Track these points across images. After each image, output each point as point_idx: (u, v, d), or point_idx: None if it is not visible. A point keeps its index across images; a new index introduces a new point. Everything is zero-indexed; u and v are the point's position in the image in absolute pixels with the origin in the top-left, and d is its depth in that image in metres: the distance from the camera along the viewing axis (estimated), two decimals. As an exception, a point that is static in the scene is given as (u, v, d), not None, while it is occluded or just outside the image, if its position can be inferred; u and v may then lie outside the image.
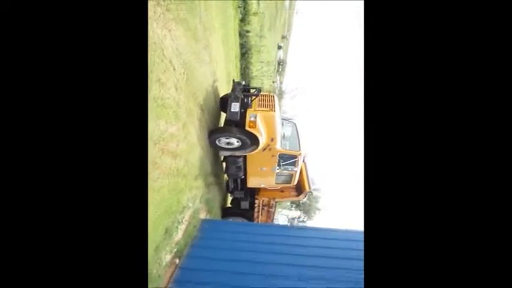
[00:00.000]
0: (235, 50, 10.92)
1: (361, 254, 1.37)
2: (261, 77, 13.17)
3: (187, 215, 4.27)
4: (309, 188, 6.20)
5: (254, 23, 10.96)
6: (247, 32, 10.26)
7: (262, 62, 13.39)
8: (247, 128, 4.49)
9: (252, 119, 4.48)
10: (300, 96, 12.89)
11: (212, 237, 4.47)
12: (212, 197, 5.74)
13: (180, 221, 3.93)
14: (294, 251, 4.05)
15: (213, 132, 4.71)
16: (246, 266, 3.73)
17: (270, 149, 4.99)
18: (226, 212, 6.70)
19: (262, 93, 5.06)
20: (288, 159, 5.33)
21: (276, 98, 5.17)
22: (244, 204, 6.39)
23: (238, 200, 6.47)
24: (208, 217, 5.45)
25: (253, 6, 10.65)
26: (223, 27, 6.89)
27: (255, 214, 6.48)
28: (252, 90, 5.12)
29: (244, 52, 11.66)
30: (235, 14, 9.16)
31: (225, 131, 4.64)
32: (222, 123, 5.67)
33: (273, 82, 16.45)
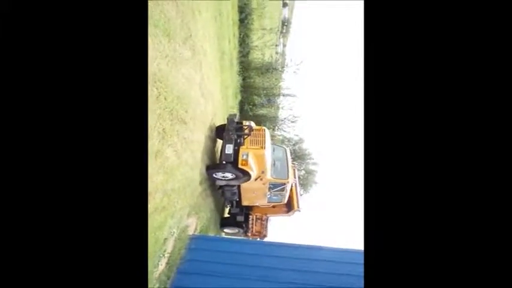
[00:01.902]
0: (233, 15, 9.29)
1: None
2: (262, 48, 11.62)
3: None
4: (298, 207, 7.00)
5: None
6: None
7: (264, 29, 11.67)
8: (240, 166, 5.07)
9: (244, 157, 5.09)
10: (304, 69, 11.65)
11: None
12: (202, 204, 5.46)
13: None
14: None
15: (210, 168, 5.31)
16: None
17: (261, 179, 5.66)
18: (224, 222, 7.47)
19: (254, 127, 5.64)
20: (277, 185, 6.04)
21: (267, 133, 5.75)
22: (240, 218, 7.22)
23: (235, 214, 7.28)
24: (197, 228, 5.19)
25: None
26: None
27: (250, 226, 7.35)
28: (245, 125, 5.57)
29: (244, 18, 9.99)
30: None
31: (220, 167, 5.20)
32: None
33: (276, 51, 14.70)
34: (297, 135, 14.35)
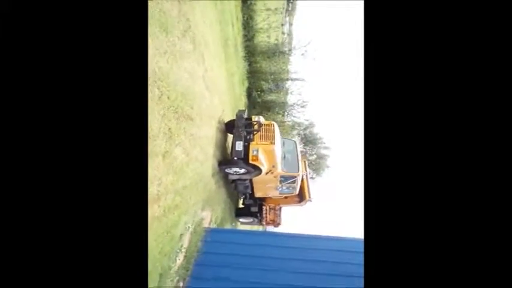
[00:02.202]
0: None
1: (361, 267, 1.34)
2: (267, 30, 11.05)
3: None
4: (309, 197, 7.27)
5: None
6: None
7: (268, 9, 11.01)
8: (250, 161, 5.21)
9: (255, 153, 5.20)
10: (312, 51, 11.01)
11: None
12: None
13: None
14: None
15: (222, 164, 5.49)
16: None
17: (272, 173, 5.79)
18: (239, 213, 7.83)
19: (263, 122, 5.77)
20: (288, 178, 6.20)
21: (276, 127, 5.78)
22: (254, 209, 7.60)
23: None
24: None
25: None
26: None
27: (264, 215, 7.68)
28: (254, 121, 5.65)
29: (247, -3, 9.44)
30: None
31: (231, 163, 5.35)
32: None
33: (282, 32, 13.99)
34: (307, 120, 14.01)
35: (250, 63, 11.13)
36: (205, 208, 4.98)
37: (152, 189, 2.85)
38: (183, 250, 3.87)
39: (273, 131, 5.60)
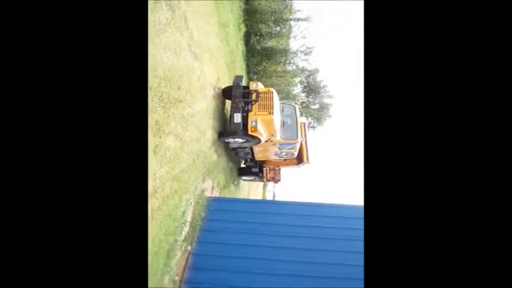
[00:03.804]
0: None
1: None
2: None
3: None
4: (307, 160, 7.49)
5: None
6: None
7: None
8: (249, 132, 5.18)
9: (253, 124, 5.12)
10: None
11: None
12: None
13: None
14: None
15: (222, 135, 5.54)
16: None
17: (271, 141, 5.82)
18: (241, 172, 8.27)
19: (261, 89, 5.50)
20: (287, 144, 6.25)
21: (275, 95, 5.54)
22: (255, 169, 7.88)
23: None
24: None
25: None
26: None
27: (264, 174, 8.09)
28: (252, 90, 5.43)
29: None
30: None
31: (231, 134, 5.36)
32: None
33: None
34: (310, 65, 12.89)
35: (247, 1, 9.52)
36: (206, 179, 5.13)
37: (148, 186, 2.85)
38: (187, 224, 4.18)
39: (272, 99, 5.39)
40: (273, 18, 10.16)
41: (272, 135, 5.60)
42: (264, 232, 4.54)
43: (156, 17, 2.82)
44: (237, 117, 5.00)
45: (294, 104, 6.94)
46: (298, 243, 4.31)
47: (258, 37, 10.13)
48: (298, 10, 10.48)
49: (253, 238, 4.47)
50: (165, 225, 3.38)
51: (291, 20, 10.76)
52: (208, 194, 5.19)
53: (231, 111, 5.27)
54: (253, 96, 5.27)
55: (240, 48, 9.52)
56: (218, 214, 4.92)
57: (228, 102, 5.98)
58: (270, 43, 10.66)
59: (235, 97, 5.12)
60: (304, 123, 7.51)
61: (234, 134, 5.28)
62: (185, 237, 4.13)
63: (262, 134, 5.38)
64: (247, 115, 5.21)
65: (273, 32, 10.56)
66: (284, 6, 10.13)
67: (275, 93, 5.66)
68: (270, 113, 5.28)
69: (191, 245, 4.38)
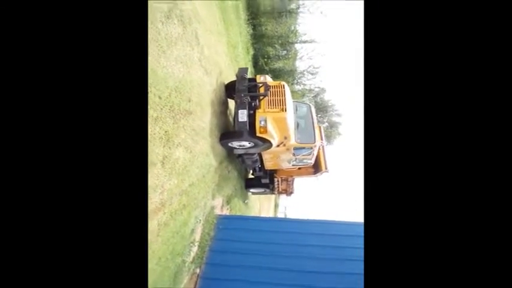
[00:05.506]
0: None
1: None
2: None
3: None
4: (326, 168, 6.20)
5: None
6: None
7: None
8: (258, 134, 4.10)
9: (263, 123, 4.03)
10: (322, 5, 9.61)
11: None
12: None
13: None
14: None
15: (224, 137, 4.44)
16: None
17: (284, 145, 4.67)
18: (249, 184, 6.98)
19: (271, 83, 4.44)
20: (303, 149, 5.08)
21: (286, 89, 4.47)
22: (265, 180, 6.59)
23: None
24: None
25: None
26: None
27: (276, 185, 6.85)
28: (259, 82, 4.37)
29: None
30: None
31: (234, 136, 4.30)
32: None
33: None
34: (318, 87, 13.08)
35: (255, 26, 10.03)
36: (216, 196, 4.94)
37: (155, 199, 2.71)
38: (196, 244, 3.93)
39: (283, 94, 4.28)
40: (280, 41, 10.57)
41: (285, 137, 4.43)
42: (281, 254, 4.18)
43: (168, 30, 2.91)
44: (242, 115, 3.90)
45: (308, 102, 5.91)
46: (322, 266, 3.90)
47: (266, 59, 10.49)
48: (305, 34, 10.93)
49: (268, 260, 4.12)
50: (172, 243, 3.16)
51: (296, 42, 11.16)
52: (218, 211, 4.96)
53: (235, 108, 4.13)
54: (262, 90, 4.20)
55: (249, 68, 9.82)
56: (228, 233, 4.64)
57: (232, 102, 4.91)
58: (278, 65, 10.98)
59: (240, 91, 4.01)
60: (321, 126, 6.13)
61: (239, 136, 4.17)
62: (193, 258, 3.86)
63: (274, 136, 4.26)
64: (254, 113, 4.10)
65: (280, 55, 10.92)
66: (290, 31, 10.56)
67: (287, 88, 4.56)
68: (283, 110, 4.14)
69: (200, 267, 4.08)
